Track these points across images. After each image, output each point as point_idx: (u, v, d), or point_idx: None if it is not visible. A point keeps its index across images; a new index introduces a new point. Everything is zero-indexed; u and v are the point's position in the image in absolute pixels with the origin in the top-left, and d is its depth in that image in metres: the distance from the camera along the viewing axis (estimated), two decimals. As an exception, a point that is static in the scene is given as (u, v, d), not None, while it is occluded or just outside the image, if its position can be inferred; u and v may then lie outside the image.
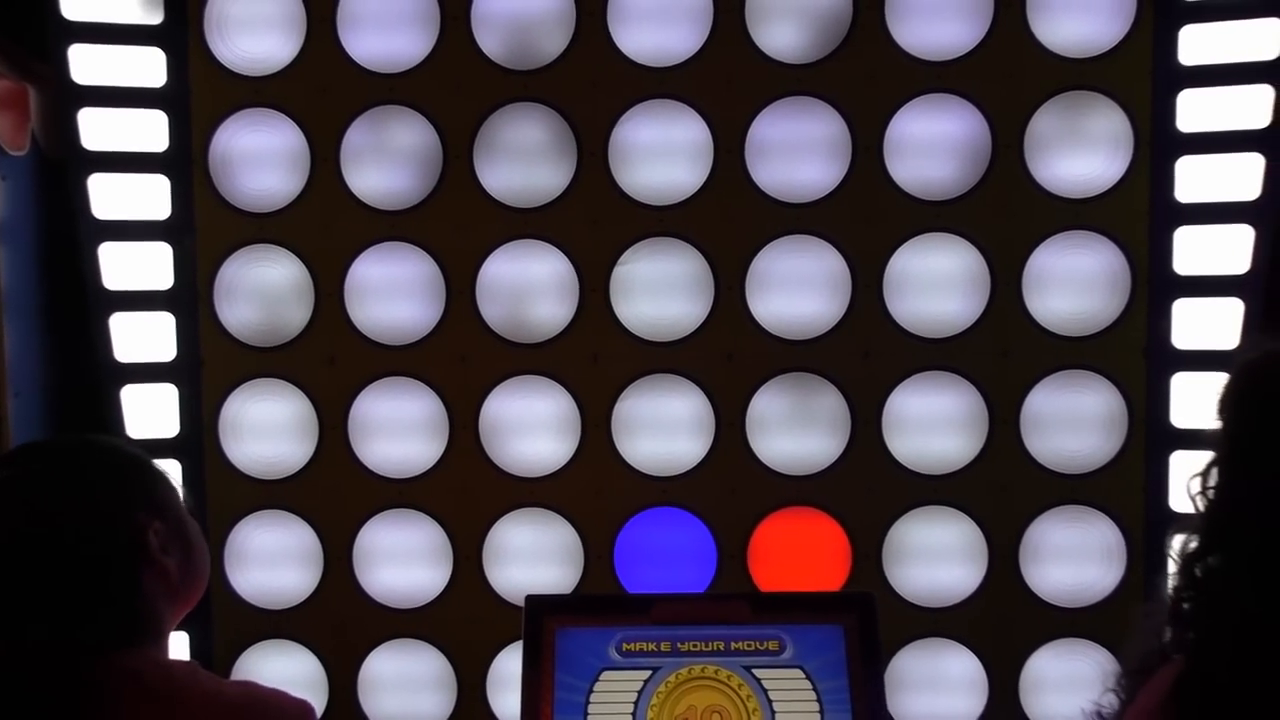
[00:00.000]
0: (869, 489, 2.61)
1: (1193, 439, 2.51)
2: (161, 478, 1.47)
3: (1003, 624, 2.62)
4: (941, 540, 2.61)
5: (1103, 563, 2.60)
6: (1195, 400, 2.52)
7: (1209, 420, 2.45)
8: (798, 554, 2.63)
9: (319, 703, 2.69)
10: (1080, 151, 2.50)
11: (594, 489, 2.62)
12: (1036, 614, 2.61)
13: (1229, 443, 1.30)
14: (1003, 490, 2.59)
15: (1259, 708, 1.16)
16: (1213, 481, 1.31)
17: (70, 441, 1.44)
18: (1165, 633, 1.36)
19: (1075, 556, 2.61)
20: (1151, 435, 2.55)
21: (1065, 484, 2.58)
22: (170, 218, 2.57)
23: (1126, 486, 2.58)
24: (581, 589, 2.61)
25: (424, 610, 2.67)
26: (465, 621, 2.66)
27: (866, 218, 2.54)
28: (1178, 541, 1.38)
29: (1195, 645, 1.27)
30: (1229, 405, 1.30)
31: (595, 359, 2.60)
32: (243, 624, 2.68)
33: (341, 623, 2.67)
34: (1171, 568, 1.39)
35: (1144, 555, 2.58)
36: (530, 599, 2.20)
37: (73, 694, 1.24)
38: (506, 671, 2.66)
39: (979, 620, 2.62)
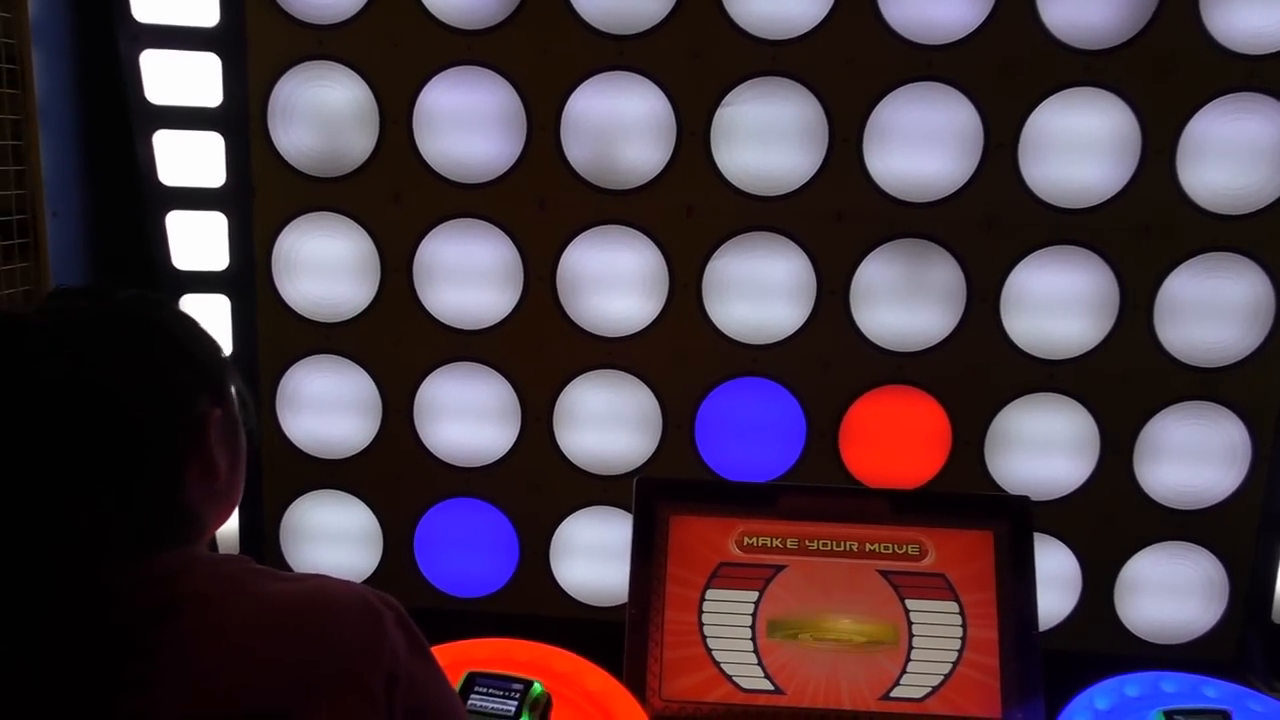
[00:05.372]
0: (978, 371, 2.38)
1: (1345, 336, 2.28)
2: (229, 363, 1.24)
3: (1106, 522, 2.44)
4: (1051, 430, 2.41)
5: (1224, 464, 2.40)
6: (1354, 294, 2.26)
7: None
8: (893, 436, 2.43)
9: (372, 558, 2.56)
10: None
11: (678, 353, 2.41)
12: (1143, 514, 2.43)
13: None
14: (1125, 380, 2.36)
15: None
16: None
17: (145, 296, 1.18)
18: None
19: (1195, 456, 2.40)
20: (1299, 329, 2.30)
21: (1195, 377, 2.36)
22: (219, 25, 2.29)
23: (1262, 385, 2.35)
24: (659, 459, 2.43)
25: (487, 470, 2.50)
26: (531, 485, 2.49)
27: (1006, 66, 2.23)
28: None
29: None
30: None
31: (689, 212, 2.34)
32: (294, 472, 2.53)
33: (399, 477, 2.52)
34: None
35: (1270, 460, 2.37)
36: (642, 482, 2.01)
37: (102, 601, 1.04)
38: (571, 539, 2.52)
39: (1081, 516, 2.44)
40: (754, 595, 1.94)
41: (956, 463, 2.42)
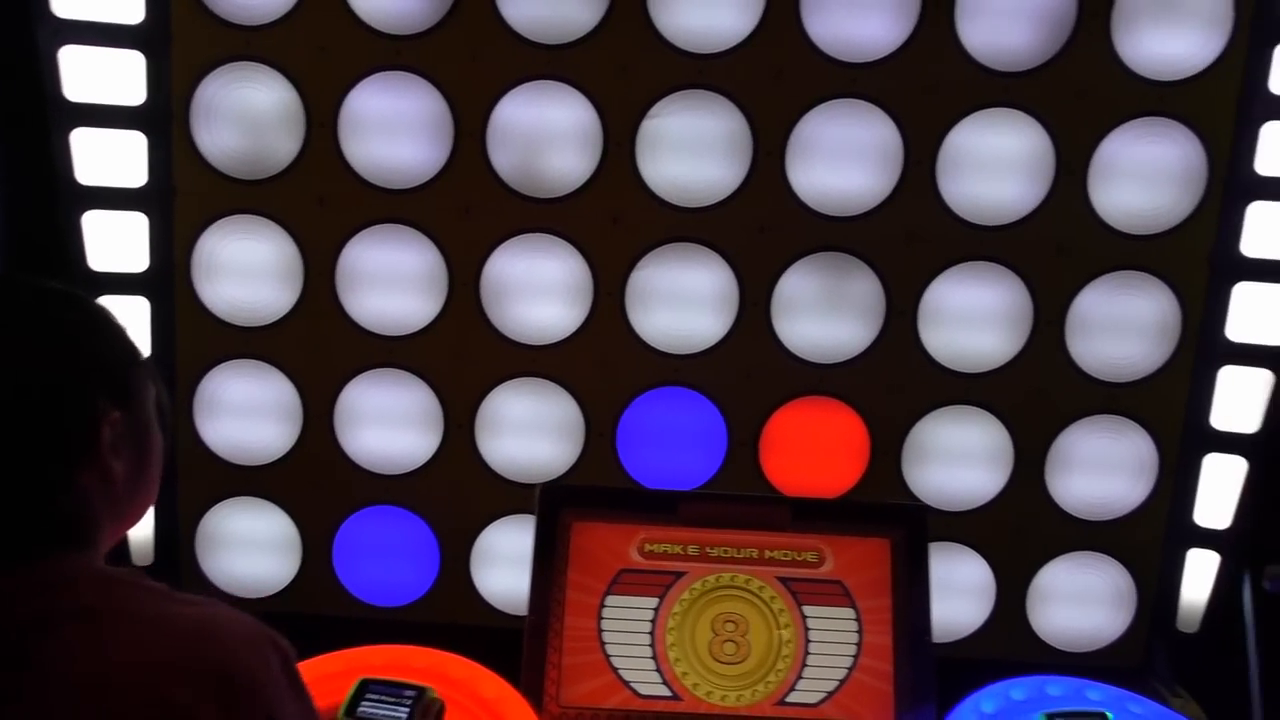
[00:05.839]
0: (896, 383, 2.43)
1: (1246, 354, 2.35)
2: (142, 364, 1.21)
3: (1019, 533, 2.49)
4: (967, 442, 2.46)
5: (1132, 477, 2.47)
6: (1254, 313, 2.34)
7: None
8: (813, 446, 2.46)
9: (290, 566, 2.53)
10: (1173, 28, 2.24)
11: (601, 362, 2.42)
12: (1055, 525, 2.49)
13: None
14: (1038, 394, 2.42)
15: None
16: None
17: (46, 288, 1.15)
18: None
19: (1104, 468, 2.47)
20: (1203, 347, 2.38)
21: (1105, 392, 2.42)
22: (143, 22, 2.26)
23: (1169, 399, 2.42)
24: (580, 468, 2.44)
25: (409, 477, 2.49)
26: (452, 492, 2.48)
27: (928, 85, 2.28)
28: None
29: None
30: None
31: (614, 220, 2.36)
32: (211, 478, 2.49)
33: (318, 484, 2.49)
34: None
35: (1175, 472, 2.45)
36: (545, 488, 2.02)
37: None
38: (492, 547, 2.51)
39: (995, 527, 2.49)
40: (654, 602, 1.96)
41: (875, 473, 2.46)
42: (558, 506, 2.00)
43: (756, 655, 1.93)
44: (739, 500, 2.19)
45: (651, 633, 1.94)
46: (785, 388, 2.44)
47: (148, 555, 2.49)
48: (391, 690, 1.74)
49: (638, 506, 2.09)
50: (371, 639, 2.11)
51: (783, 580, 1.97)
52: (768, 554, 1.99)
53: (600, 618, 1.95)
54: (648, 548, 2.00)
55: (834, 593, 1.97)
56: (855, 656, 1.94)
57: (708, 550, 2.00)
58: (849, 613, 1.95)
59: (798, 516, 2.04)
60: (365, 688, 1.74)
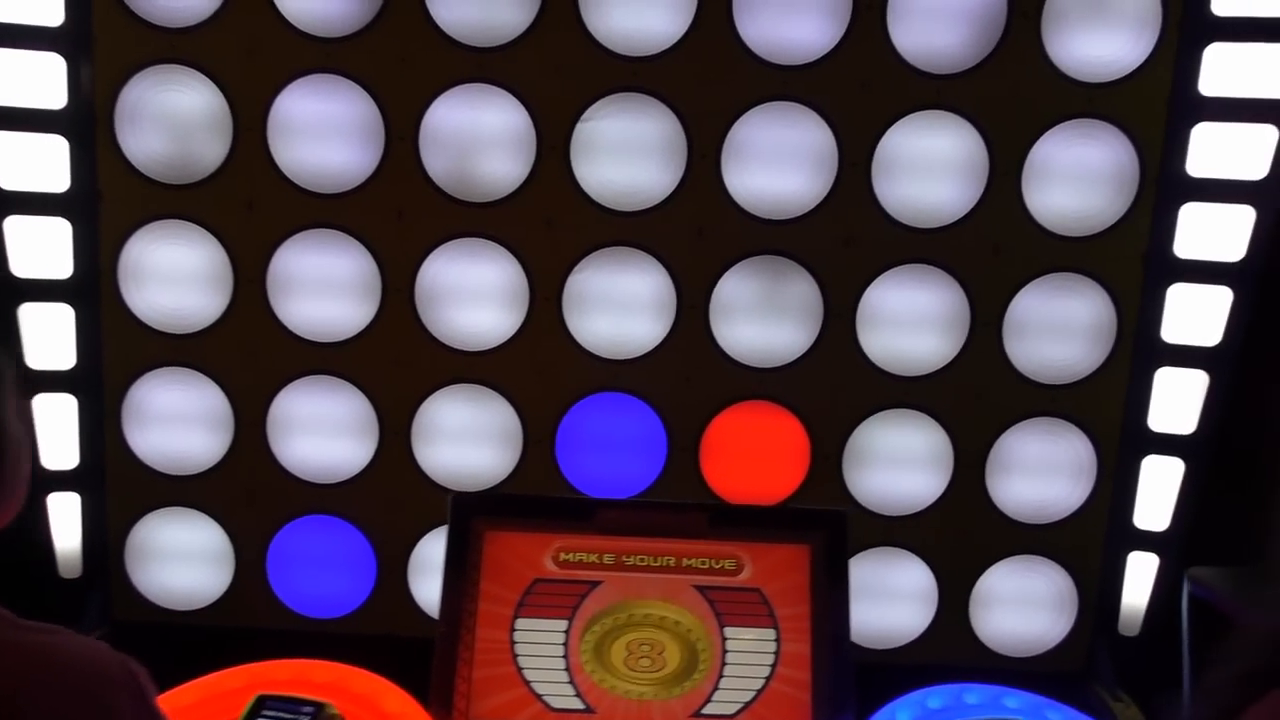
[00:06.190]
0: (836, 387, 2.41)
1: (1181, 355, 2.36)
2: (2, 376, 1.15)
3: (960, 536, 2.48)
4: (907, 446, 2.45)
5: (1071, 479, 2.47)
6: (1189, 314, 2.35)
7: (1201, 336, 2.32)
8: (754, 451, 2.44)
9: (223, 578, 2.48)
10: (1103, 29, 2.24)
11: (538, 368, 2.39)
12: (996, 528, 2.48)
13: None
14: (977, 397, 2.42)
15: None
16: None
17: None
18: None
19: (1044, 471, 2.46)
20: (1139, 348, 2.38)
21: (1043, 394, 2.42)
22: (64, 24, 2.21)
23: (1106, 401, 2.42)
24: (519, 476, 2.41)
25: (344, 486, 2.45)
26: (388, 502, 2.45)
27: (861, 88, 2.28)
28: None
29: None
30: None
31: (549, 225, 2.33)
32: (141, 489, 2.44)
33: (252, 494, 2.45)
34: None
35: (1114, 474, 2.45)
36: (457, 497, 1.98)
37: None
38: (430, 557, 2.46)
39: (936, 531, 2.48)
40: (568, 613, 1.92)
41: (816, 477, 2.44)
42: (469, 515, 1.96)
43: (671, 668, 1.90)
44: (655, 507, 2.16)
45: (565, 644, 1.90)
46: (725, 392, 2.43)
47: (75, 568, 2.43)
48: (288, 706, 1.70)
49: (552, 514, 2.05)
50: (307, 652, 2.08)
51: (700, 589, 1.94)
52: (685, 562, 1.96)
53: (513, 629, 1.91)
54: (563, 557, 1.96)
55: (752, 601, 1.94)
56: (773, 666, 1.91)
57: (624, 559, 1.96)
58: (767, 621, 1.92)
59: (716, 523, 2.01)
60: (261, 704, 1.70)
